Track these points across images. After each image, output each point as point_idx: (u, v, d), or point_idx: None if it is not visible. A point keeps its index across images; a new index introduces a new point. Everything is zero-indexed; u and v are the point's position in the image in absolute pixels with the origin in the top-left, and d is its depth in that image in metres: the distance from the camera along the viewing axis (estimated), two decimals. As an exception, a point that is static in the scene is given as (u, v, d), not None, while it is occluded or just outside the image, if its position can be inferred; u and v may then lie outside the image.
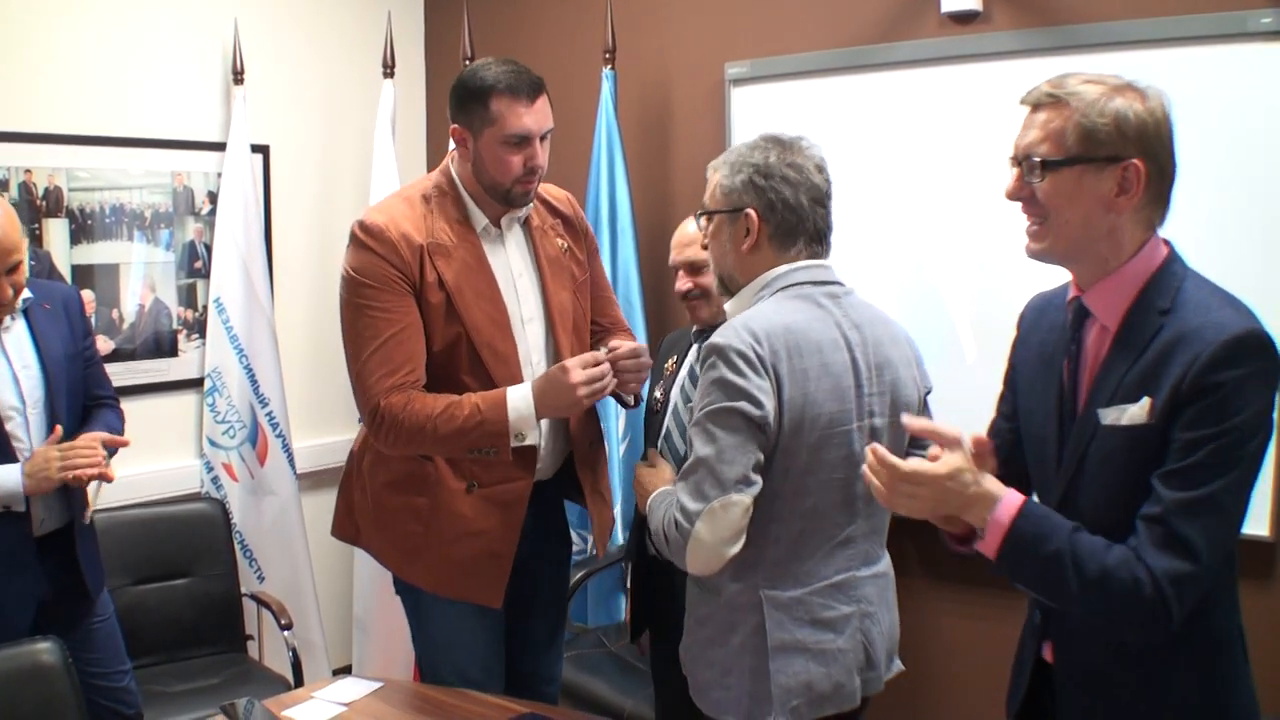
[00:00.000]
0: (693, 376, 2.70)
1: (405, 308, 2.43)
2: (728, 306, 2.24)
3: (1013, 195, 1.76)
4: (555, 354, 2.58)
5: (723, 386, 2.00)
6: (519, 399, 2.42)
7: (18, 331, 2.77)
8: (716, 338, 2.05)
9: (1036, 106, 1.72)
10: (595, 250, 2.83)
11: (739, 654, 2.10)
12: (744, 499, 1.99)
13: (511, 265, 2.57)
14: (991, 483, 1.70)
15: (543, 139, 2.47)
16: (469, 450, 2.44)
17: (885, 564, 2.24)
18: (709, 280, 2.82)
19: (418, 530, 2.53)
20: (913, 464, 1.71)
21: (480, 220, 2.53)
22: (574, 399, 2.40)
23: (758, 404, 1.99)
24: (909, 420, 1.86)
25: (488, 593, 2.53)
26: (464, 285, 2.47)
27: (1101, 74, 1.71)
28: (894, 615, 2.25)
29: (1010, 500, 1.68)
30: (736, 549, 2.02)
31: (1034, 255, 1.77)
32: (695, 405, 2.06)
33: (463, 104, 2.46)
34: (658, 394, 2.79)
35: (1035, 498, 1.79)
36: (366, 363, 2.42)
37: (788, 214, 2.13)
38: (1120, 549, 1.60)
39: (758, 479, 2.01)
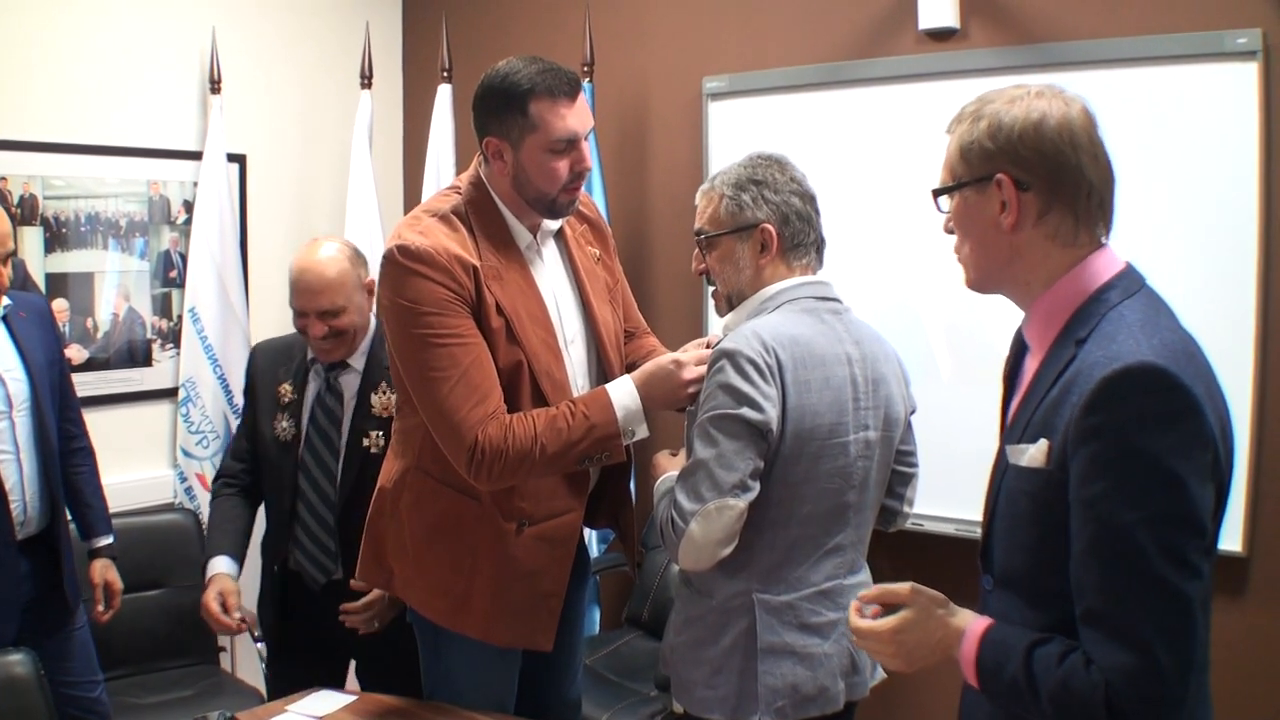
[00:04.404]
0: (324, 408, 2.84)
1: (474, 330, 2.21)
2: (727, 318, 2.26)
3: (945, 228, 1.64)
4: (603, 375, 2.39)
5: (729, 391, 2.04)
6: (624, 395, 2.23)
7: None
8: (727, 343, 2.08)
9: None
10: (615, 250, 2.64)
11: (729, 654, 2.14)
12: (739, 504, 2.03)
13: (553, 283, 2.39)
14: (960, 617, 1.55)
15: (586, 139, 2.29)
16: (579, 462, 2.25)
17: (866, 574, 2.29)
18: (345, 323, 2.77)
19: (465, 578, 2.35)
20: (863, 622, 1.60)
21: (524, 238, 2.34)
22: (681, 396, 2.21)
23: (761, 410, 2.02)
24: (862, 594, 1.67)
25: (540, 636, 2.38)
26: (519, 309, 2.27)
27: (1025, 84, 1.55)
28: None
29: (974, 631, 1.52)
30: (728, 550, 2.07)
31: (967, 286, 1.64)
32: (700, 407, 2.09)
33: (496, 113, 2.24)
34: (285, 424, 2.87)
35: None
36: (449, 397, 2.17)
37: (799, 223, 2.20)
38: (1073, 656, 1.40)
39: (755, 485, 2.05)
